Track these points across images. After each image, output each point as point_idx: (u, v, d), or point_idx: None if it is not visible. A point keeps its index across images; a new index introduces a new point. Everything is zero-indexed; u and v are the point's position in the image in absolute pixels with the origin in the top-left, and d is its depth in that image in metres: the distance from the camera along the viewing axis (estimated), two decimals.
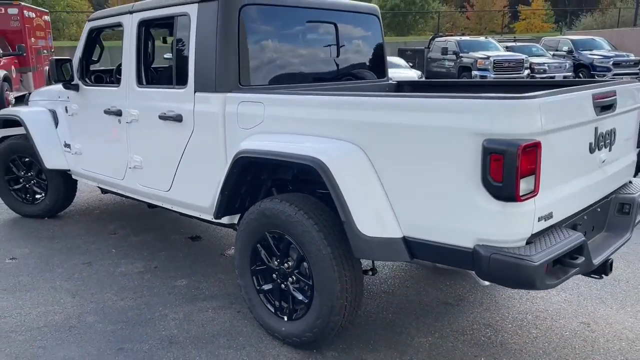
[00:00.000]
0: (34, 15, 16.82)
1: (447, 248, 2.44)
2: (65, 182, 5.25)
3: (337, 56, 4.08)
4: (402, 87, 4.52)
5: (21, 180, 5.46)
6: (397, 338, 3.20)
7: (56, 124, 5.04)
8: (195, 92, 3.46)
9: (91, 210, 5.80)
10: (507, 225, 2.29)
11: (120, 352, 3.05)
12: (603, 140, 2.80)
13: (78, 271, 4.17)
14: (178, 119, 3.57)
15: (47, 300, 3.69)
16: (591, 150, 2.71)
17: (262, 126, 3.11)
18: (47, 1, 36.14)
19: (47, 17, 18.75)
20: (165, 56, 5.95)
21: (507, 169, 2.16)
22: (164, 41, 5.10)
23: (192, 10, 3.46)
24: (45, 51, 18.01)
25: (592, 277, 2.92)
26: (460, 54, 19.00)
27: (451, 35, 21.43)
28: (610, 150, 2.90)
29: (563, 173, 2.53)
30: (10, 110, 5.48)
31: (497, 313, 3.50)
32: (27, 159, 5.35)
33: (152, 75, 4.49)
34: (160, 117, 3.69)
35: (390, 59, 20.09)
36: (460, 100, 2.35)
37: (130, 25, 4.01)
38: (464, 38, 20.23)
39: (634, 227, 3.10)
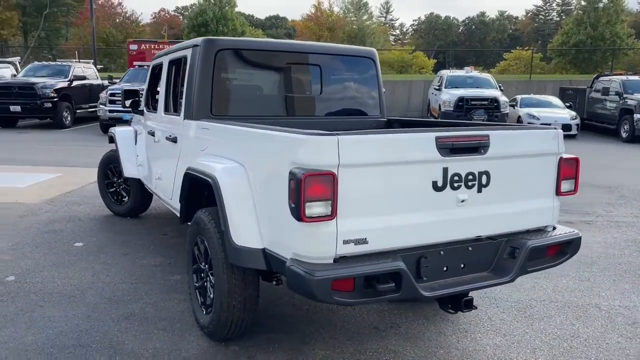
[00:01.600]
0: None
1: (280, 260, 2.84)
2: (142, 189, 6.44)
3: (320, 94, 4.57)
4: (392, 124, 4.81)
5: (114, 184, 6.83)
6: (299, 346, 3.56)
7: (136, 141, 6.27)
8: (184, 118, 4.26)
9: (164, 215, 6.95)
10: (307, 243, 2.63)
11: (88, 319, 3.90)
12: (461, 181, 2.91)
13: (114, 258, 5.21)
14: (174, 140, 4.41)
15: (74, 275, 4.75)
16: (437, 189, 2.86)
17: (209, 149, 3.78)
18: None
19: None
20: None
21: (295, 194, 2.53)
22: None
23: (188, 53, 4.29)
24: None
25: (448, 312, 3.01)
26: (624, 95, 17.34)
27: (619, 75, 19.59)
28: (479, 192, 2.99)
29: (385, 205, 2.75)
30: (111, 129, 6.91)
31: (416, 344, 3.64)
32: (118, 168, 6.68)
33: (173, 104, 5.48)
34: (166, 138, 4.58)
35: (547, 97, 19.18)
36: (282, 133, 2.77)
37: (165, 64, 5.00)
38: (631, 78, 18.39)
39: (520, 272, 3.09)
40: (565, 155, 3.32)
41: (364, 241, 2.69)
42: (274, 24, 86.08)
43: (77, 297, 4.29)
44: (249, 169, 3.14)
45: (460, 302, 2.96)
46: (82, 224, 6.42)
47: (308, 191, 2.51)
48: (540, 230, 3.33)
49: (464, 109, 16.20)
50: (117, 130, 6.52)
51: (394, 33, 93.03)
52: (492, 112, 16.13)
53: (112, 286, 4.51)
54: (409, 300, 2.87)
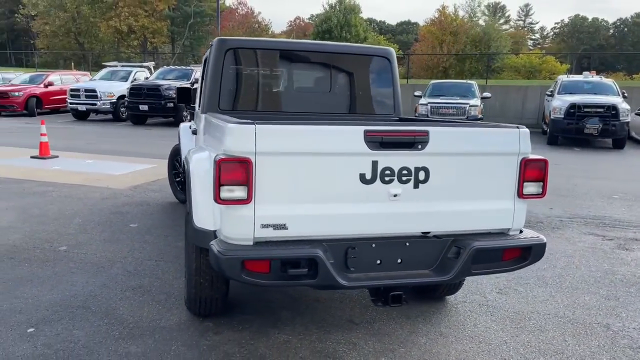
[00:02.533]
0: None
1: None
2: None
3: (330, 92, 4.70)
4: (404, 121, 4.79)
5: (179, 174, 7.48)
6: (267, 329, 3.74)
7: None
8: (200, 112, 4.65)
9: None
10: (227, 225, 2.83)
11: (102, 287, 4.42)
12: (393, 176, 2.92)
13: (154, 239, 5.76)
14: (195, 132, 4.83)
15: (114, 250, 5.35)
16: (365, 181, 2.89)
17: (201, 141, 4.12)
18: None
19: None
20: None
21: (214, 178, 2.74)
22: None
23: (208, 52, 4.68)
24: None
25: (377, 306, 3.02)
26: None
27: None
28: (416, 187, 2.96)
29: (307, 193, 2.85)
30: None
31: (381, 340, 3.65)
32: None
33: (199, 99, 5.89)
34: (192, 132, 5.01)
35: None
36: (220, 122, 3.00)
37: (203, 64, 5.45)
38: None
39: (462, 273, 3.00)
40: (530, 156, 3.15)
41: (283, 227, 2.82)
42: (404, 30, 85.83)
43: (105, 268, 4.84)
44: (211, 157, 3.40)
45: (388, 296, 2.96)
46: (147, 208, 7.12)
47: (223, 175, 2.70)
48: (500, 234, 3.19)
49: (576, 117, 15.05)
50: (182, 126, 7.14)
51: (533, 37, 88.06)
52: (608, 121, 14.80)
53: (138, 262, 5.02)
54: (328, 287, 2.93)
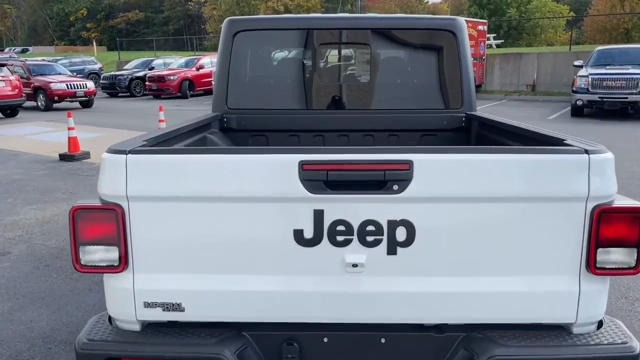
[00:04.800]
0: None
1: None
2: None
3: (370, 81, 3.58)
4: (471, 122, 3.47)
5: None
6: None
7: None
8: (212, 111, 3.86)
9: None
10: (108, 299, 1.98)
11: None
12: (351, 234, 1.82)
13: None
14: None
15: None
16: (304, 242, 1.84)
17: None
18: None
19: (482, 27, 20.10)
20: None
21: (70, 234, 1.90)
22: None
23: None
24: (472, 59, 19.44)
25: None
26: None
27: None
28: (392, 253, 1.83)
29: (213, 259, 1.88)
30: None
31: None
32: None
33: None
34: None
35: None
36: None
37: None
38: None
39: None
40: (615, 202, 1.81)
41: (178, 307, 1.91)
42: None
43: None
44: None
45: None
46: None
47: (82, 230, 1.86)
48: (557, 329, 1.91)
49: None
50: None
51: None
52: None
53: None
54: None
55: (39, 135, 12.75)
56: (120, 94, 24.61)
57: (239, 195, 1.84)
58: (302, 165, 1.80)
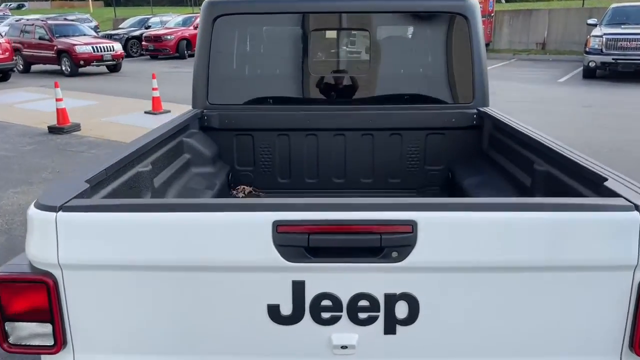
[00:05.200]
0: None
1: None
2: None
3: (369, 71, 3.15)
4: (484, 120, 3.06)
5: None
6: None
7: None
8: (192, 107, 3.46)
9: None
10: None
11: None
12: (340, 310, 1.47)
13: None
14: None
15: None
16: (280, 320, 1.49)
17: None
18: None
19: None
20: None
21: None
22: None
23: None
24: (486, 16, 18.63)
25: None
26: None
27: None
28: (390, 332, 1.48)
29: (168, 337, 1.53)
30: None
31: None
32: None
33: None
34: None
35: None
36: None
37: None
38: None
39: None
40: None
41: None
42: None
43: None
44: None
45: None
46: None
47: (7, 303, 1.51)
48: None
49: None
50: None
51: None
52: None
53: None
54: None
55: (28, 104, 12.25)
56: None
57: (199, 264, 1.47)
58: (277, 226, 1.42)
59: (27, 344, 1.56)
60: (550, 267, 1.45)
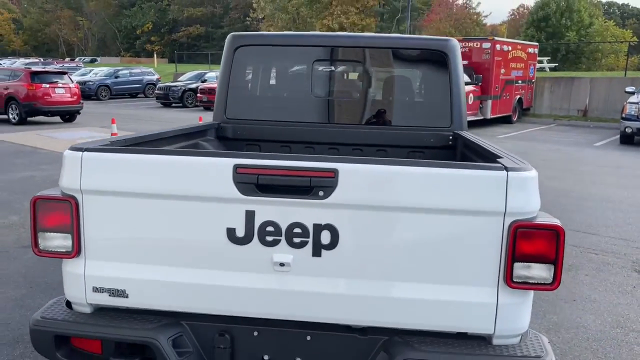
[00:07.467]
0: (510, 48, 18.10)
1: None
2: None
3: (364, 97, 3.71)
4: (457, 140, 3.52)
5: None
6: None
7: None
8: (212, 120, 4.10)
9: None
10: (64, 282, 2.19)
11: None
12: (279, 235, 1.96)
13: None
14: None
15: None
16: (235, 240, 1.98)
17: None
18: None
19: (532, 50, 19.74)
20: None
21: (31, 221, 2.11)
22: None
23: None
24: (520, 81, 19.12)
25: None
26: None
27: None
28: (317, 255, 1.95)
29: (155, 251, 2.05)
30: None
31: None
32: None
33: None
34: None
35: None
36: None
37: None
38: None
39: None
40: (531, 218, 1.86)
41: (122, 293, 2.09)
42: None
43: None
44: None
45: None
46: None
47: (41, 218, 2.08)
48: (477, 339, 1.97)
49: None
50: None
51: None
52: None
53: None
54: None
55: (88, 140, 13.47)
56: (173, 104, 25.49)
57: (180, 194, 2.01)
58: (237, 168, 1.95)
59: (52, 250, 2.11)
60: (442, 210, 1.90)
